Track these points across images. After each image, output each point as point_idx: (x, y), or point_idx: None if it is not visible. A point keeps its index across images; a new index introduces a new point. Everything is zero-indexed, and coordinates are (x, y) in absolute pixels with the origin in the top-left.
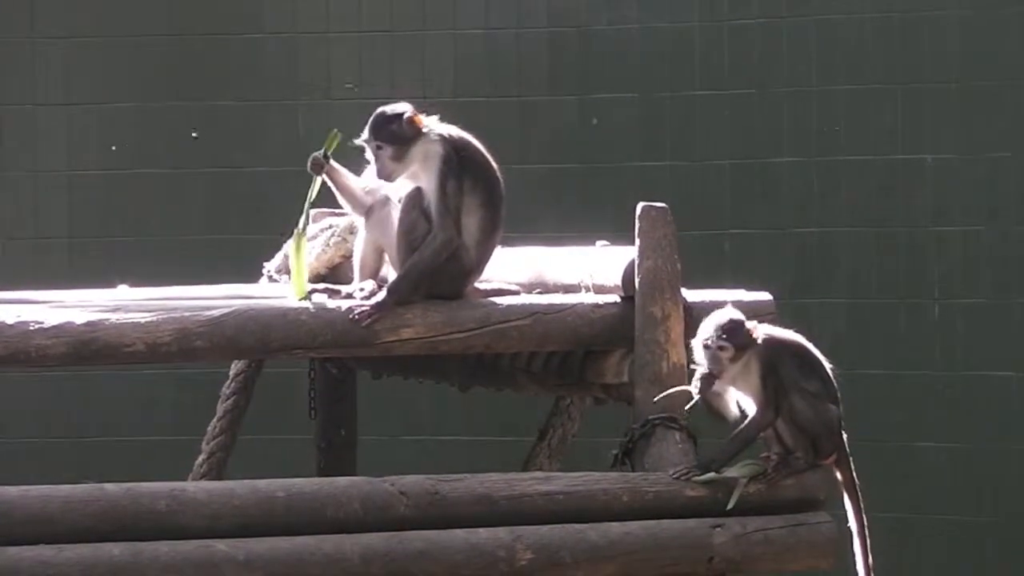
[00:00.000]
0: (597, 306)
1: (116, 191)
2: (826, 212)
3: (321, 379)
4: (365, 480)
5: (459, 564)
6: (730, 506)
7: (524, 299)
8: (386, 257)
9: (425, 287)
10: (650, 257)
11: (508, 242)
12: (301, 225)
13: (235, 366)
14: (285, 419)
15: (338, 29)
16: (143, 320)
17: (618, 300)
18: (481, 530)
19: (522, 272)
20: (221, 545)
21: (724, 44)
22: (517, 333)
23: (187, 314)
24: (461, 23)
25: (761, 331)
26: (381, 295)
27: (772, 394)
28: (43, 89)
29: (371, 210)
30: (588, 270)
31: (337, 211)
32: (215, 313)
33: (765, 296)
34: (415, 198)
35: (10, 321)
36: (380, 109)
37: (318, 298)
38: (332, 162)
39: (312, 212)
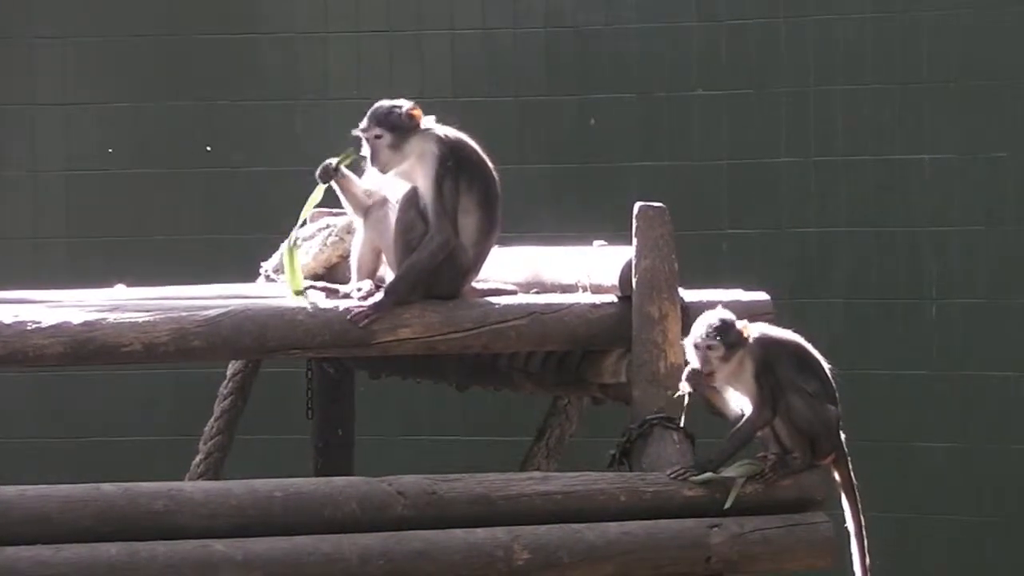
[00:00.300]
0: (594, 306)
1: (114, 191)
2: (824, 212)
3: (318, 379)
4: (363, 480)
5: (457, 564)
6: (727, 506)
7: (522, 299)
8: (383, 257)
9: (422, 287)
10: (647, 257)
11: (505, 242)
12: (293, 237)
13: (232, 366)
14: (282, 419)
15: (336, 29)
16: (140, 320)
17: (615, 300)
18: (479, 530)
19: (519, 272)
20: (219, 545)
21: (722, 44)
22: (515, 333)
23: (184, 314)
24: (459, 23)
25: (754, 330)
26: (379, 295)
27: (768, 394)
28: (41, 89)
29: (369, 210)
30: (585, 270)
31: (335, 211)
32: (212, 313)
33: (763, 296)
34: (412, 198)
35: (8, 321)
36: (380, 101)
37: (315, 296)
38: (343, 169)
39: (308, 215)
